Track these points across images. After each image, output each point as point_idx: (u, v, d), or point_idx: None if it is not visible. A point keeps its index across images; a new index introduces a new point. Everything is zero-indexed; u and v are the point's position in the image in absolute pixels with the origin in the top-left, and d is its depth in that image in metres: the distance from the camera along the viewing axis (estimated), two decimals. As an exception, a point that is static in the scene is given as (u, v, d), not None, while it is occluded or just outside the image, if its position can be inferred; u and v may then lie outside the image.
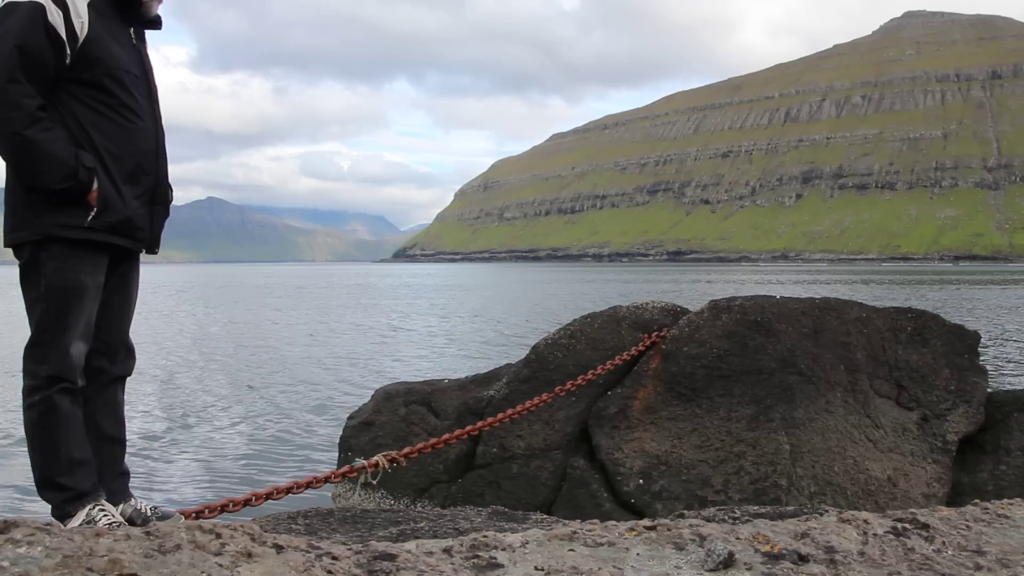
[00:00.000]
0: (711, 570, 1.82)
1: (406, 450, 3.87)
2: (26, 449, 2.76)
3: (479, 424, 4.41)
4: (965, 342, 5.14)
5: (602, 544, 1.94)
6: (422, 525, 3.20)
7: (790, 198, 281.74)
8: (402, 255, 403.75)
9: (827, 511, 2.76)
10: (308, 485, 3.41)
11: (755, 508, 3.28)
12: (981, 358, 5.21)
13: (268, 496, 3.26)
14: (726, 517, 2.92)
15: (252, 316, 33.07)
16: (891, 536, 2.07)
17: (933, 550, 2.01)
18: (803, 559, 1.90)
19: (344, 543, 2.14)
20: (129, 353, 3.04)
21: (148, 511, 3.00)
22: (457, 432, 4.26)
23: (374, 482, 3.71)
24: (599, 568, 1.80)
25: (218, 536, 1.69)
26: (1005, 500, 2.59)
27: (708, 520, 2.66)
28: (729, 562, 1.84)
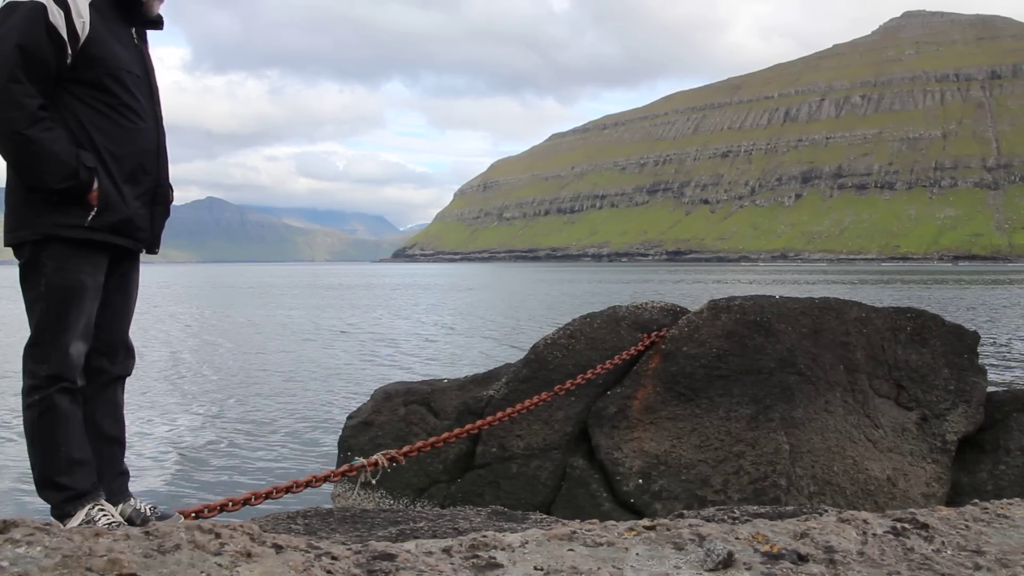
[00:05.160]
0: (710, 570, 1.82)
1: (405, 449, 3.87)
2: (26, 449, 2.76)
3: (479, 423, 4.41)
4: (964, 342, 5.14)
5: (601, 544, 1.94)
6: (421, 525, 3.20)
7: (789, 198, 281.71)
8: (401, 255, 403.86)
9: (826, 511, 2.76)
10: (308, 484, 3.41)
11: (754, 508, 3.28)
12: (980, 358, 5.21)
13: (268, 495, 3.26)
14: (725, 517, 2.92)
15: (252, 317, 33.06)
16: (890, 536, 2.08)
17: (932, 550, 2.02)
18: (802, 559, 1.90)
19: (343, 543, 2.14)
20: (129, 353, 3.03)
21: (147, 511, 2.99)
22: (457, 431, 4.26)
23: (373, 481, 3.71)
24: (598, 568, 1.80)
25: (217, 536, 1.69)
26: (1004, 500, 2.59)
27: (707, 520, 2.66)
28: (728, 562, 1.84)
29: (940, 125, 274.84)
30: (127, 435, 3.10)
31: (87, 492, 2.73)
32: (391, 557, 1.78)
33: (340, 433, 5.48)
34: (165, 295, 51.55)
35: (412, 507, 4.70)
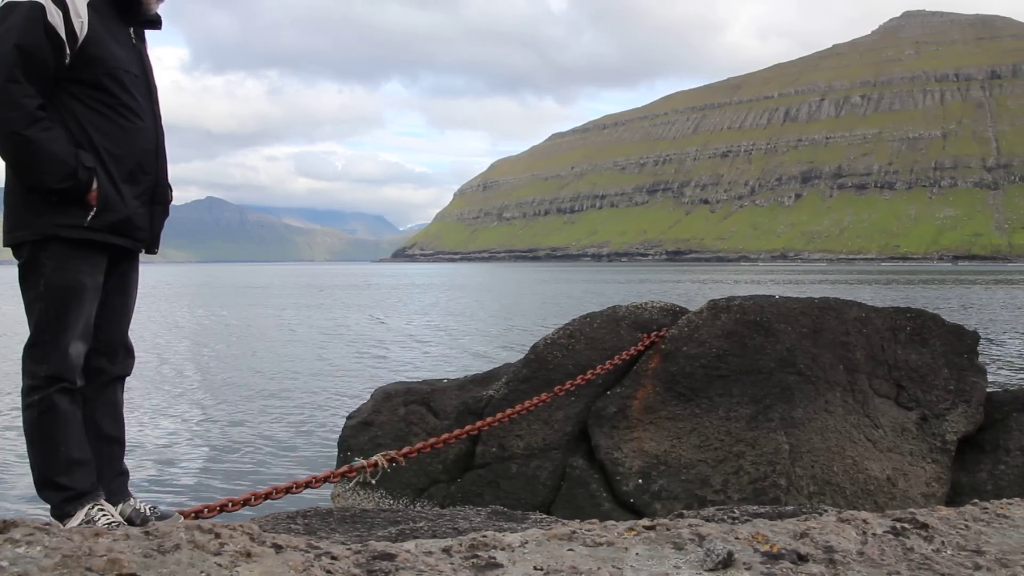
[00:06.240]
0: (710, 570, 1.82)
1: (405, 450, 3.87)
2: (26, 449, 2.76)
3: (478, 424, 4.41)
4: (964, 342, 5.14)
5: (601, 544, 1.94)
6: (421, 525, 3.20)
7: (789, 198, 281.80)
8: (401, 255, 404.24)
9: (826, 511, 2.76)
10: (307, 485, 3.41)
11: (754, 508, 3.28)
12: (980, 358, 5.21)
13: (267, 496, 3.26)
14: (725, 517, 2.92)
15: (251, 317, 33.07)
16: (890, 536, 2.08)
17: (932, 550, 2.02)
18: (802, 559, 1.90)
19: (343, 543, 2.14)
20: (128, 353, 3.03)
21: (147, 511, 2.99)
22: (456, 432, 4.26)
23: (373, 482, 3.71)
24: (598, 568, 1.80)
25: (217, 536, 1.69)
26: (1004, 500, 2.59)
27: (707, 520, 2.67)
28: (728, 562, 1.84)
29: (940, 125, 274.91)
30: (127, 435, 3.10)
31: (87, 492, 2.73)
32: (391, 557, 1.78)
33: (340, 433, 5.48)
34: (164, 295, 51.55)
35: (412, 507, 4.70)
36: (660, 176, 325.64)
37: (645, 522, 2.13)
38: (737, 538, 2.01)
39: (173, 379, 14.99)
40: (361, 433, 5.23)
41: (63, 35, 2.62)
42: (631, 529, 2.06)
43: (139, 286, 3.08)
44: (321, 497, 5.47)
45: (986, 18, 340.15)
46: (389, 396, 5.36)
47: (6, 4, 2.60)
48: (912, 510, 2.33)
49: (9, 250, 2.78)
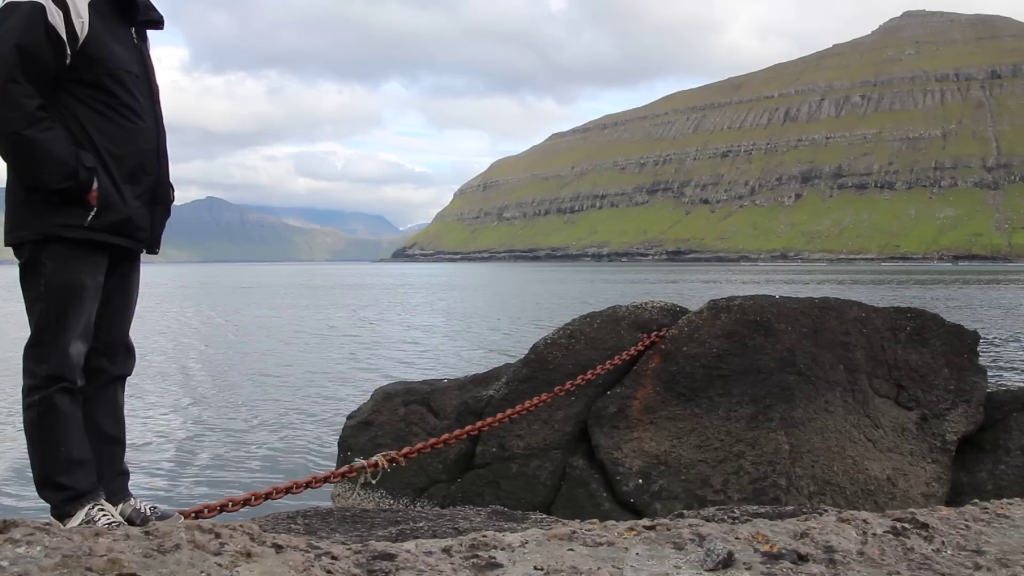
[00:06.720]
0: (710, 570, 1.83)
1: (405, 450, 3.87)
2: (26, 449, 2.76)
3: (478, 424, 4.41)
4: (964, 342, 5.14)
5: (601, 544, 1.94)
6: (421, 525, 3.21)
7: (789, 198, 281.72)
8: (401, 255, 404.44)
9: (826, 511, 2.76)
10: (307, 485, 3.41)
11: (754, 508, 3.28)
12: (980, 358, 5.21)
13: (267, 496, 3.26)
14: (725, 517, 2.92)
15: (252, 316, 33.08)
16: (890, 536, 2.08)
17: (932, 550, 2.02)
18: (802, 559, 1.90)
19: (343, 543, 2.15)
20: (129, 353, 3.03)
21: (147, 511, 2.99)
22: (456, 432, 4.26)
23: (373, 482, 3.71)
24: (598, 568, 1.80)
25: (217, 536, 1.69)
26: (1004, 500, 2.59)
27: (707, 520, 2.67)
28: (728, 562, 1.84)
29: (940, 125, 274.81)
30: (127, 435, 3.10)
31: (87, 492, 2.73)
32: (391, 557, 1.78)
33: (340, 433, 5.49)
34: (164, 295, 51.56)
35: (412, 507, 4.70)
36: (660, 176, 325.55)
37: (645, 522, 2.13)
38: (737, 538, 2.01)
39: (173, 379, 15.00)
40: (361, 433, 5.23)
41: (64, 35, 2.62)
42: (631, 529, 2.06)
43: (140, 286, 3.08)
44: (321, 497, 5.47)
45: (986, 18, 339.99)
46: (389, 396, 5.36)
47: (7, 4, 2.60)
48: (912, 510, 2.33)
49: (10, 250, 2.78)
